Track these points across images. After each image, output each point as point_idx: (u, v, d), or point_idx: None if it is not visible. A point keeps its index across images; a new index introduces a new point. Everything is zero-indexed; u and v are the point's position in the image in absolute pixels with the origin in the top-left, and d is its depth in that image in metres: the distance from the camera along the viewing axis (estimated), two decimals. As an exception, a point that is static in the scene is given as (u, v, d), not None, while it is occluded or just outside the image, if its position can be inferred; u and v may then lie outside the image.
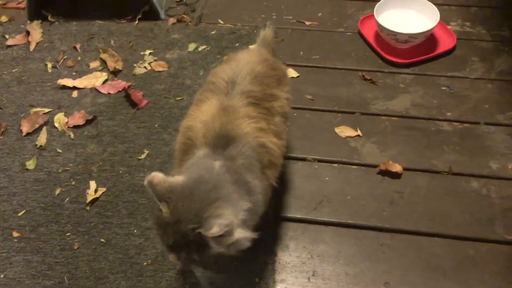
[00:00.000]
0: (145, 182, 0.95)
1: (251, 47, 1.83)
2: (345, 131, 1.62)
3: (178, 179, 0.98)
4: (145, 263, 1.30)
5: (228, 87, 1.15)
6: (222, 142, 1.06)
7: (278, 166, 1.19)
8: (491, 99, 1.70)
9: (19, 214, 1.42)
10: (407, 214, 1.39)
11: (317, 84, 1.78)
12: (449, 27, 1.94)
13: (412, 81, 1.78)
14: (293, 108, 1.68)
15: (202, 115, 1.12)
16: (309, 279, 1.27)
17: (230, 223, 0.91)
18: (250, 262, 1.28)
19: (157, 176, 0.95)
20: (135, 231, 1.37)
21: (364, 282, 1.26)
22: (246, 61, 1.21)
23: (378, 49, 1.86)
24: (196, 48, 1.90)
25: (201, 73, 1.80)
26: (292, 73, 1.81)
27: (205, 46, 1.91)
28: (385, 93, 1.74)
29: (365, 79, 1.78)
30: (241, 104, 1.13)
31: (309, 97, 1.74)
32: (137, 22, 2.04)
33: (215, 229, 0.89)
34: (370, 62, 1.85)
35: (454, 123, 1.63)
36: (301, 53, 1.90)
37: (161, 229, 0.96)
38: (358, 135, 1.61)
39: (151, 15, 2.04)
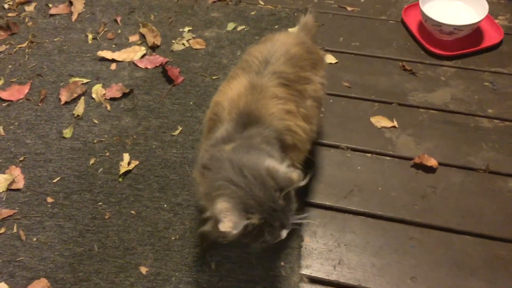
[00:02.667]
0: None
1: (290, 30, 1.81)
2: (381, 121, 1.59)
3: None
4: (173, 238, 1.32)
5: (260, 66, 1.14)
6: (244, 121, 1.06)
7: (303, 151, 1.18)
8: (536, 98, 1.64)
9: (54, 181, 1.46)
10: (439, 209, 1.37)
11: (355, 71, 1.75)
12: (496, 21, 1.87)
13: (454, 74, 1.73)
14: (329, 94, 1.67)
15: (231, 91, 1.12)
16: (334, 267, 1.26)
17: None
18: (276, 245, 1.28)
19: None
20: (165, 205, 1.39)
21: (390, 275, 1.25)
22: (282, 42, 1.20)
23: (421, 40, 1.81)
24: (235, 28, 1.89)
25: (239, 53, 1.79)
26: (330, 59, 1.78)
27: (244, 27, 1.89)
28: (425, 85, 1.70)
29: (405, 70, 1.74)
30: (271, 84, 1.12)
31: (346, 84, 1.71)
32: (177, -2, 2.04)
33: (295, 175, 0.94)
34: (412, 52, 1.81)
35: (495, 120, 1.58)
36: (341, 39, 1.86)
37: (270, 217, 0.94)
38: (394, 126, 1.58)
39: (192, -8, 2.03)
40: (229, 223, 0.88)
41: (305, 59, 1.22)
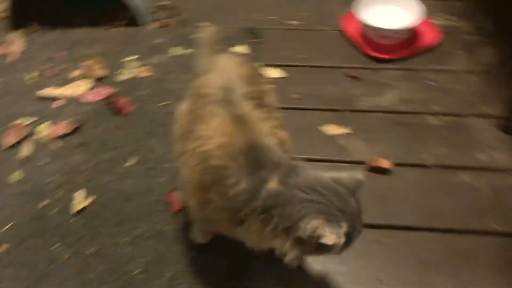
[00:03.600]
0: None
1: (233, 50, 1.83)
2: (332, 129, 1.61)
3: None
4: (135, 272, 1.28)
5: (227, 95, 1.09)
6: (253, 156, 1.01)
7: None
8: (476, 92, 1.70)
9: (6, 227, 1.40)
10: (398, 209, 1.38)
11: (303, 83, 1.77)
12: (433, 21, 1.94)
13: (398, 76, 1.78)
14: (280, 108, 1.67)
15: (217, 135, 1.04)
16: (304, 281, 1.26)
17: None
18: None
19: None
20: (125, 239, 1.35)
21: (358, 280, 1.25)
22: (229, 66, 1.19)
23: (363, 46, 1.86)
24: (182, 51, 1.89)
25: (187, 77, 1.78)
26: (278, 73, 1.80)
27: (190, 49, 1.89)
28: (372, 90, 1.73)
29: (351, 77, 1.78)
30: (248, 109, 1.08)
31: (295, 96, 1.73)
32: (120, 28, 2.02)
33: (359, 175, 1.00)
34: (356, 59, 1.85)
35: (441, 117, 1.63)
36: (286, 52, 1.89)
37: (353, 222, 0.97)
38: (346, 133, 1.60)
39: (135, 20, 2.02)
40: (332, 235, 0.90)
41: (255, 75, 1.23)
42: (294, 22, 2.02)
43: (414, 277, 1.25)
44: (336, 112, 1.67)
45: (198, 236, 1.31)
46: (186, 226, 1.36)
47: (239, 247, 1.27)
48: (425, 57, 1.84)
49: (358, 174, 0.99)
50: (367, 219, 1.33)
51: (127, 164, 1.53)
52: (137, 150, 1.57)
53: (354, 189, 0.98)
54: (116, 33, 2.00)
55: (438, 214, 1.37)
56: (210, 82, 1.14)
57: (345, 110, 1.67)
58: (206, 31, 1.39)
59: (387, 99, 1.70)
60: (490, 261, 1.27)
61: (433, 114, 1.64)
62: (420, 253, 1.29)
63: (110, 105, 1.71)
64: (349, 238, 0.96)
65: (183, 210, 1.39)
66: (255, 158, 1.01)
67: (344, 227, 0.93)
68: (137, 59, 1.88)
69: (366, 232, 1.31)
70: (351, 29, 1.93)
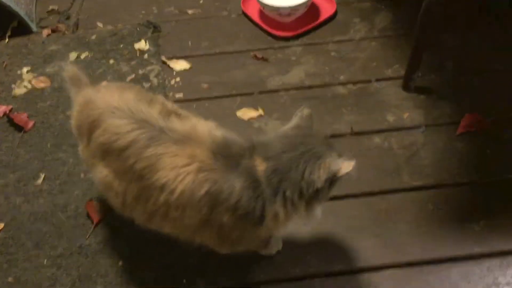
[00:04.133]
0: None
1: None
2: (247, 113, 1.61)
3: None
4: (62, 293, 1.21)
5: (148, 128, 1.00)
6: (227, 156, 0.99)
7: None
8: (377, 56, 1.76)
9: None
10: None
11: (211, 72, 1.74)
12: (327, -7, 1.98)
13: (302, 52, 1.80)
14: (191, 100, 1.65)
15: (178, 166, 0.97)
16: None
17: None
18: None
19: None
20: (45, 261, 1.27)
21: (286, 255, 1.26)
22: (117, 97, 1.06)
23: (264, 26, 1.86)
24: (78, 56, 1.79)
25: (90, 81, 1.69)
26: (183, 65, 1.76)
27: (87, 53, 1.80)
28: (279, 68, 1.74)
29: (257, 58, 1.78)
30: (177, 123, 1.03)
31: (205, 86, 1.70)
32: (7, 40, 1.88)
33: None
34: (260, 40, 1.85)
35: (348, 85, 1.67)
36: (190, 43, 1.85)
37: None
38: (260, 115, 1.60)
39: (22, 30, 1.89)
40: (345, 162, 0.98)
41: (142, 91, 1.15)
42: (192, 11, 1.98)
43: (343, 244, 1.28)
44: (247, 96, 1.66)
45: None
46: (110, 236, 1.30)
47: (167, 251, 1.26)
48: (325, 29, 1.87)
49: (303, 110, 1.05)
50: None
51: (37, 182, 1.43)
52: (46, 166, 1.47)
53: (311, 123, 1.04)
54: (3, 45, 1.86)
55: (357, 180, 1.38)
56: (117, 128, 1.02)
57: (256, 93, 1.67)
58: (67, 70, 1.24)
59: (295, 75, 1.72)
60: (410, 216, 1.33)
61: (340, 84, 1.68)
62: (345, 221, 1.33)
63: (8, 124, 1.59)
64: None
65: (103, 220, 1.33)
66: (228, 157, 0.99)
67: (336, 154, 1.01)
68: (31, 70, 1.76)
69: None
70: (251, 11, 1.92)
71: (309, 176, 0.97)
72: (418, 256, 1.25)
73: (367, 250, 1.27)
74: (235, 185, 0.97)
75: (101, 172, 1.07)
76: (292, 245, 1.28)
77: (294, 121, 1.05)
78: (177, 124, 1.02)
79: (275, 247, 1.26)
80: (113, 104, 1.05)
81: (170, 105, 1.13)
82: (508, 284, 1.19)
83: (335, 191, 1.34)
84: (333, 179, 0.99)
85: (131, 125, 1.01)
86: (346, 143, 1.50)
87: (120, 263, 1.26)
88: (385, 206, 1.35)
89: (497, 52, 1.72)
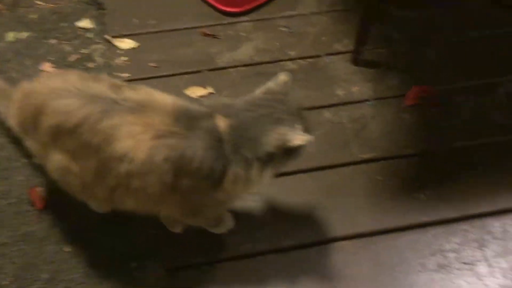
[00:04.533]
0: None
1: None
2: (195, 91, 1.58)
3: None
4: (4, 283, 1.17)
5: (99, 102, 0.97)
6: (187, 119, 0.98)
7: None
8: (327, 31, 1.75)
9: None
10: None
11: (158, 50, 1.70)
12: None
13: (252, 28, 1.77)
14: (138, 79, 1.60)
15: (137, 135, 0.95)
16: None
17: None
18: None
19: None
20: (-14, 251, 1.22)
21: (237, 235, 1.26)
22: (60, 81, 1.04)
23: (213, 2, 1.82)
24: (17, 36, 1.70)
25: (29, 63, 1.62)
26: (129, 44, 1.70)
27: (27, 33, 1.71)
28: (228, 45, 1.71)
29: (206, 35, 1.74)
30: (130, 91, 1.00)
31: (152, 65, 1.65)
32: None
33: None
34: (208, 17, 1.80)
35: (298, 61, 1.66)
36: (136, 20, 1.79)
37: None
38: (210, 92, 1.57)
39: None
40: (299, 136, 0.96)
41: (85, 74, 1.11)
42: (138, -12, 1.91)
43: (293, 219, 1.28)
44: (196, 74, 1.63)
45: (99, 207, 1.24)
46: (55, 222, 1.26)
47: (114, 234, 1.24)
48: (275, 4, 1.84)
49: (281, 76, 1.03)
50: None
51: (-24, 170, 1.37)
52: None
53: (286, 90, 1.02)
54: None
55: (308, 155, 1.39)
56: (66, 107, 0.98)
57: (205, 70, 1.63)
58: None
59: (244, 52, 1.69)
60: (360, 189, 1.35)
61: (290, 59, 1.67)
62: (295, 195, 1.33)
63: None
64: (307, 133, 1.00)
65: (48, 206, 1.28)
66: (189, 120, 0.97)
67: (300, 126, 0.98)
68: (-33, 52, 1.66)
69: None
70: (199, -13, 1.87)
71: (263, 138, 0.96)
72: (367, 227, 1.27)
73: (318, 224, 1.28)
74: (197, 147, 0.96)
75: (55, 158, 1.03)
76: (243, 223, 1.27)
77: (267, 85, 1.05)
78: (130, 94, 1.00)
79: (227, 225, 1.25)
80: (56, 87, 1.02)
81: (118, 81, 1.10)
82: (452, 250, 1.23)
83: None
84: (287, 149, 0.97)
85: (80, 101, 0.97)
86: (297, 118, 1.50)
87: (67, 248, 1.22)
88: (336, 180, 1.36)
89: (444, 22, 1.75)
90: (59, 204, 1.29)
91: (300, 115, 1.03)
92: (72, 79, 1.03)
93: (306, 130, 1.01)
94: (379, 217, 1.29)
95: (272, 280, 1.19)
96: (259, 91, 1.05)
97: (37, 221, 1.27)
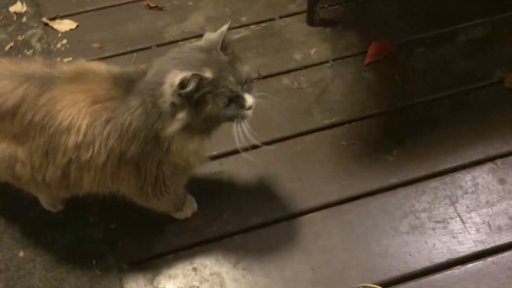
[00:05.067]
0: None
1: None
2: (145, 70, 1.48)
3: None
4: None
5: (39, 76, 0.93)
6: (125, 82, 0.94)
7: None
8: (279, -8, 1.66)
9: None
10: (227, 134, 1.32)
11: (101, 28, 1.58)
12: None
13: (198, -5, 1.66)
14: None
15: (77, 104, 0.91)
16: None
17: None
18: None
19: None
20: None
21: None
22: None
23: (154, -29, 1.70)
24: None
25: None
26: (69, 25, 1.58)
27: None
28: (176, 17, 1.61)
29: (151, 8, 1.63)
30: (69, 64, 0.98)
31: (96, 45, 1.54)
32: None
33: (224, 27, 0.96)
34: (151, -13, 1.69)
35: (251, 26, 1.58)
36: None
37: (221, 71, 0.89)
38: (161, 70, 1.48)
39: None
40: (181, 74, 0.83)
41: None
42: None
43: (259, 195, 1.23)
44: (145, 51, 1.53)
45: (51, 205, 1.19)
46: (5, 227, 1.18)
47: (69, 231, 1.17)
48: (220, -31, 1.74)
49: (223, 26, 0.95)
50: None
51: None
52: None
53: (216, 41, 0.92)
54: None
55: (268, 125, 1.33)
56: (0, 89, 0.93)
57: (153, 46, 1.53)
58: None
59: (194, 22, 1.59)
60: (324, 155, 1.29)
61: (243, 25, 1.58)
62: (259, 170, 1.27)
63: None
64: (220, 93, 0.88)
65: None
66: (128, 82, 0.93)
67: (207, 73, 0.87)
68: None
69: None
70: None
71: (162, 87, 0.88)
72: (336, 195, 1.22)
73: (285, 197, 1.22)
74: (134, 107, 0.91)
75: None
76: (206, 205, 1.21)
77: (209, 35, 0.96)
78: (65, 67, 0.97)
79: (190, 207, 1.19)
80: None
81: (52, 59, 1.06)
82: (424, 210, 1.19)
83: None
84: (184, 94, 0.86)
85: (15, 82, 0.92)
86: (255, 89, 1.41)
87: (21, 253, 1.14)
88: (299, 149, 1.30)
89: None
90: (8, 207, 1.20)
91: (221, 68, 0.90)
92: (2, 63, 0.98)
93: (217, 82, 0.88)
94: (347, 184, 1.24)
95: (243, 261, 1.14)
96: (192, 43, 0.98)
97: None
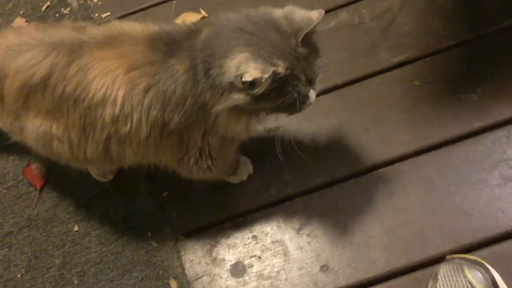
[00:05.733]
0: None
1: None
2: (188, 18, 1.34)
3: None
4: (19, 275, 1.08)
5: (67, 43, 0.85)
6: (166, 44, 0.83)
7: None
8: None
9: None
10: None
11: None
12: None
13: None
14: (121, 17, 1.38)
15: (111, 72, 0.82)
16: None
17: None
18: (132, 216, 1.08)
19: None
20: (-6, 243, 1.13)
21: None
22: (15, 36, 0.90)
23: None
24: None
25: None
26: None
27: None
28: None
29: None
30: (100, 27, 0.89)
31: (133, -3, 1.42)
32: None
33: (314, 14, 0.79)
34: None
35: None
36: None
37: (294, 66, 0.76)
38: (204, 17, 1.34)
39: None
40: (255, 70, 0.72)
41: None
42: None
43: (320, 151, 1.10)
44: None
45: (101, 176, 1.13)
46: (58, 200, 1.14)
47: (123, 202, 1.11)
48: None
49: (314, 13, 0.78)
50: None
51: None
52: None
53: (301, 26, 0.77)
54: None
55: (328, 71, 1.17)
56: (29, 61, 0.85)
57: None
58: None
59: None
60: (396, 99, 1.12)
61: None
62: (319, 123, 1.13)
63: None
64: (287, 88, 0.77)
65: (47, 184, 1.15)
66: (168, 44, 0.82)
67: (280, 67, 0.74)
68: None
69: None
70: None
71: (226, 61, 0.76)
72: (410, 146, 1.06)
73: (350, 152, 1.08)
74: (178, 72, 0.80)
75: (33, 126, 0.89)
76: (263, 167, 1.09)
77: (296, 12, 0.80)
78: (97, 30, 0.87)
79: (244, 172, 1.08)
80: (13, 43, 0.88)
81: (82, 23, 0.96)
82: (519, 157, 1.01)
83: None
84: (247, 84, 0.74)
85: (43, 51, 0.85)
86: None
87: (76, 228, 1.11)
88: (364, 95, 1.14)
89: None
90: (57, 180, 1.16)
91: (295, 63, 0.77)
92: (29, 31, 0.90)
93: (287, 79, 0.76)
94: (423, 131, 1.07)
95: (307, 227, 1.03)
96: (268, 11, 0.81)
97: (39, 202, 1.15)
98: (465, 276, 0.84)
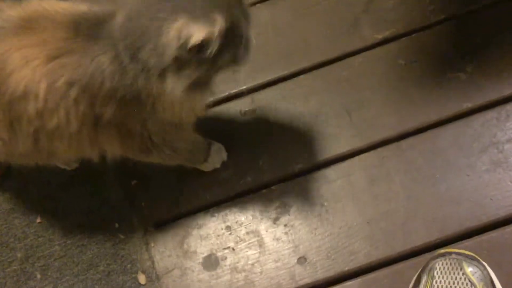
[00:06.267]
0: None
1: None
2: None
3: None
4: None
5: None
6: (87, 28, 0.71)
7: None
8: None
9: None
10: (263, 62, 1.10)
11: None
12: None
13: None
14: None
15: (29, 59, 0.71)
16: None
17: None
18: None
19: None
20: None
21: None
22: None
23: None
24: None
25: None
26: None
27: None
28: None
29: None
30: (17, 8, 0.75)
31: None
32: None
33: None
34: None
35: None
36: None
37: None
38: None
39: None
40: (199, 31, 0.63)
41: None
42: None
43: (298, 136, 1.03)
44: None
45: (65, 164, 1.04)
46: (19, 191, 1.07)
47: (87, 192, 1.04)
48: None
49: None
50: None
51: None
52: None
53: None
54: None
55: (307, 49, 1.09)
56: None
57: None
58: None
59: None
60: (379, 79, 1.05)
61: None
62: (298, 104, 1.05)
63: None
64: (235, 32, 0.69)
65: (7, 175, 1.08)
66: (90, 27, 0.71)
67: (219, 20, 0.65)
68: None
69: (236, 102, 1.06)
70: None
71: (162, 38, 0.66)
72: (394, 129, 0.99)
73: (331, 136, 1.01)
74: (103, 63, 0.70)
75: None
76: (238, 153, 1.02)
77: None
78: (12, 11, 0.74)
79: (217, 158, 1.01)
80: None
81: None
82: (509, 140, 0.94)
83: (279, 70, 1.07)
84: (195, 49, 0.66)
85: None
86: (284, 4, 1.16)
87: (38, 219, 1.04)
88: (346, 74, 1.06)
89: None
90: (21, 169, 1.08)
91: (232, 6, 0.69)
92: None
93: (233, 28, 0.69)
94: (408, 113, 1.00)
95: (284, 216, 0.97)
96: None
97: (-1, 193, 1.08)
98: (464, 273, 0.78)
